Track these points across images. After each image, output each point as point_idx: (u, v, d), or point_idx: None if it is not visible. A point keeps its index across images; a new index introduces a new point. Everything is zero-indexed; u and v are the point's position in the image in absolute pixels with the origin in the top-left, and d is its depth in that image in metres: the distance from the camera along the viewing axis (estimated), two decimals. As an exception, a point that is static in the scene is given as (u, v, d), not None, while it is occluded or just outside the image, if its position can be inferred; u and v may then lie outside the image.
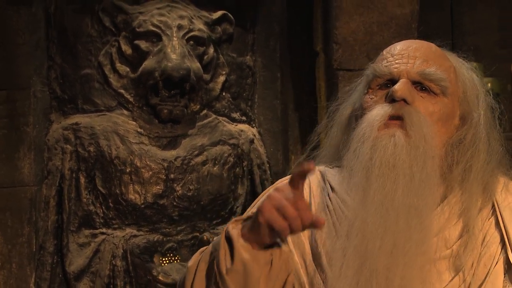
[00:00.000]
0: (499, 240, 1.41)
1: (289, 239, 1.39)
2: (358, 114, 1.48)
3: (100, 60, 2.39)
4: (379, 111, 1.39)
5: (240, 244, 1.25)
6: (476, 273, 1.38)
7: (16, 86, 2.32)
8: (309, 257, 1.41)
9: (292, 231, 1.23)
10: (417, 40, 1.50)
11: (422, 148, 1.36)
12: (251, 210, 1.50)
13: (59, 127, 2.38)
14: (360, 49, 2.49)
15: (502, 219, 1.42)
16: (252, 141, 2.54)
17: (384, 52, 1.49)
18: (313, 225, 1.23)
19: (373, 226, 1.32)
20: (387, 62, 1.45)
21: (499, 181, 1.46)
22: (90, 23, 2.40)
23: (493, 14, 2.92)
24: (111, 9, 2.38)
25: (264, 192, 1.58)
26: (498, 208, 1.43)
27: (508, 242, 1.40)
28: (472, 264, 1.38)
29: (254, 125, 2.63)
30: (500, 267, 1.39)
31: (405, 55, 1.44)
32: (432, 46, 1.47)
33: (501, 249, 1.40)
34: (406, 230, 1.31)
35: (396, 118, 1.39)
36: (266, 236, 1.24)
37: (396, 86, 1.39)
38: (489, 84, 2.56)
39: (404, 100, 1.39)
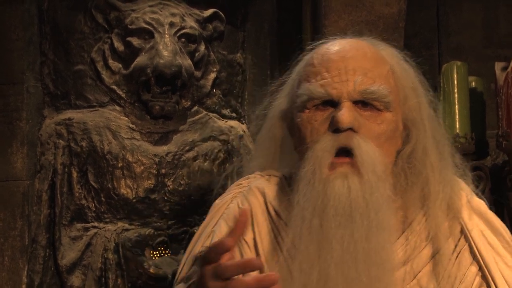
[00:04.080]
0: (476, 272, 1.35)
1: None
2: (298, 139, 1.36)
3: (92, 56, 2.42)
4: (325, 146, 1.29)
5: None
6: None
7: (9, 81, 2.34)
8: None
9: None
10: (351, 43, 1.39)
11: (376, 187, 1.27)
12: (206, 230, 1.45)
13: (52, 122, 2.40)
14: (349, 47, 2.53)
15: (478, 250, 1.35)
16: (242, 137, 2.58)
17: (315, 60, 1.37)
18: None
19: (335, 280, 1.24)
20: (322, 79, 1.33)
21: (462, 196, 1.40)
22: (83, 20, 2.42)
23: (478, 14, 2.97)
24: (104, 6, 2.40)
25: (211, 213, 1.49)
26: (469, 235, 1.37)
27: (490, 276, 1.34)
28: (446, 283, 1.33)
29: (244, 121, 2.67)
30: None
31: (342, 71, 1.32)
32: (367, 50, 1.37)
33: (480, 282, 1.35)
34: (368, 280, 1.23)
35: (344, 152, 1.29)
36: None
37: (340, 115, 1.28)
38: (473, 83, 2.60)
39: (350, 128, 1.29)
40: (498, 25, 2.93)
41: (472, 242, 1.37)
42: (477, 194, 1.45)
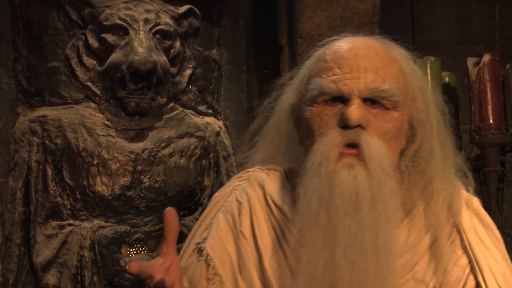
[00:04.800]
0: (466, 264, 1.38)
1: (236, 268, 1.34)
2: (305, 133, 1.36)
3: (67, 53, 2.40)
4: (333, 140, 1.31)
5: None
6: None
7: (-19, 79, 2.32)
8: None
9: None
10: (363, 41, 1.40)
11: (384, 181, 1.29)
12: (202, 227, 1.46)
13: (26, 119, 2.38)
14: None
15: (469, 243, 1.39)
16: (218, 134, 2.59)
17: (327, 56, 1.38)
18: None
19: (343, 270, 1.25)
20: (333, 75, 1.34)
21: (460, 196, 1.43)
22: (57, 16, 2.40)
23: (451, 10, 3.01)
24: (78, 2, 2.38)
25: (208, 209, 1.50)
26: (463, 230, 1.40)
27: (479, 269, 1.37)
28: (443, 278, 1.35)
29: (220, 118, 2.67)
30: None
31: (354, 68, 1.34)
32: (378, 50, 1.38)
33: (469, 274, 1.37)
34: (375, 270, 1.25)
35: (352, 146, 1.31)
36: None
37: (350, 112, 1.30)
38: (446, 78, 2.63)
39: (359, 125, 1.31)
40: (471, 21, 2.97)
41: (463, 234, 1.40)
42: (473, 194, 1.49)
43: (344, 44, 1.40)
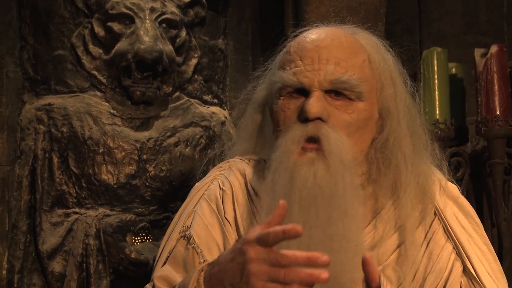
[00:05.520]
0: (451, 251, 1.37)
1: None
2: (275, 125, 1.36)
3: (73, 41, 2.40)
4: (294, 135, 1.31)
5: None
6: (423, 285, 1.33)
7: (-12, 66, 2.33)
8: None
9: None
10: (328, 32, 1.39)
11: (342, 175, 1.28)
12: (182, 221, 1.43)
13: (32, 107, 2.39)
14: (330, 34, 2.53)
15: (453, 231, 1.38)
16: (223, 123, 2.59)
17: (292, 48, 1.38)
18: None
19: None
20: (295, 67, 1.34)
21: (435, 182, 1.41)
22: (63, 4, 2.40)
23: (459, 1, 2.98)
24: (84, -9, 2.39)
25: (187, 201, 1.47)
26: (446, 218, 1.39)
27: (466, 255, 1.36)
28: (415, 276, 1.34)
29: (225, 107, 2.67)
30: (455, 279, 1.35)
31: (315, 59, 1.33)
32: (343, 39, 1.37)
33: (455, 260, 1.37)
34: (332, 264, 1.19)
35: (313, 140, 1.30)
36: None
37: (309, 105, 1.30)
38: (453, 70, 2.62)
39: (319, 118, 1.30)
40: (478, 12, 2.95)
41: (446, 223, 1.39)
42: (451, 181, 1.47)
43: (308, 35, 1.39)
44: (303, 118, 1.31)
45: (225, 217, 1.40)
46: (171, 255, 1.42)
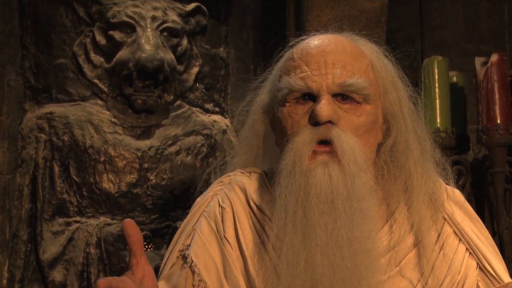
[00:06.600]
0: (464, 251, 1.39)
1: (222, 275, 1.33)
2: (279, 133, 1.37)
3: (74, 50, 2.41)
4: (305, 138, 1.30)
5: None
6: (441, 286, 1.34)
7: (-11, 75, 2.33)
8: None
9: None
10: (330, 38, 1.39)
11: (357, 176, 1.28)
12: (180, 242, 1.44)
13: (33, 116, 2.39)
14: (331, 42, 2.53)
15: (464, 232, 1.39)
16: (225, 132, 2.59)
17: (295, 55, 1.38)
18: None
19: (323, 269, 1.24)
20: (301, 72, 1.34)
21: (442, 187, 1.43)
22: (65, 13, 2.41)
23: (460, 9, 2.99)
24: (86, 0, 2.39)
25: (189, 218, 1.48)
26: (456, 221, 1.40)
27: (480, 253, 1.38)
28: (432, 277, 1.35)
29: (227, 116, 2.67)
30: (472, 279, 1.37)
31: (321, 64, 1.33)
32: (346, 44, 1.38)
33: (469, 258, 1.38)
34: (352, 267, 1.24)
35: (324, 143, 1.30)
36: None
37: (319, 109, 1.30)
38: (454, 78, 2.62)
39: (330, 121, 1.31)
40: (479, 20, 2.95)
41: (457, 225, 1.41)
42: (456, 187, 1.48)
43: (311, 41, 1.40)
44: (314, 122, 1.31)
45: (224, 236, 1.39)
46: (168, 273, 1.42)
